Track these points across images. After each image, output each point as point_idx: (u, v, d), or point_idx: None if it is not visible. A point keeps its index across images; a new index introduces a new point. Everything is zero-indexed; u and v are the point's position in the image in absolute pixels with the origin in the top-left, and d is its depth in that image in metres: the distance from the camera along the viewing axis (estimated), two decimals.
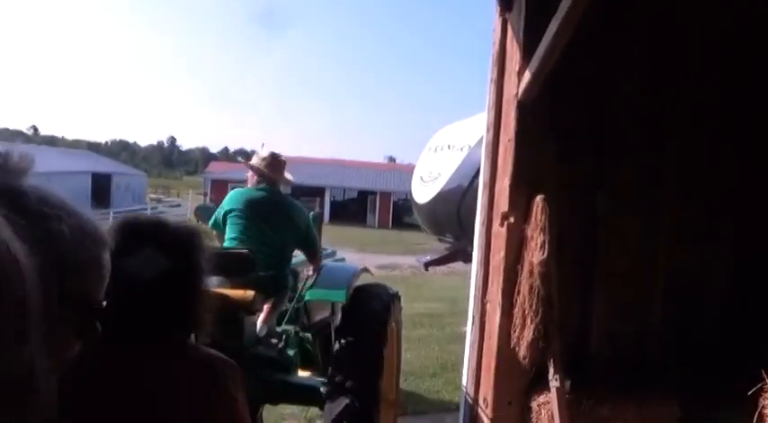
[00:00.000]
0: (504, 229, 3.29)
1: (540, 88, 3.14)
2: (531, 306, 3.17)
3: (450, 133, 5.84)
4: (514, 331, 3.24)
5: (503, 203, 3.32)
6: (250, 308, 3.07)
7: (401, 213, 34.53)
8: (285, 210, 3.74)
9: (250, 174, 3.87)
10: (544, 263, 3.14)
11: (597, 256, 3.65)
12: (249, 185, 3.82)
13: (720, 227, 3.91)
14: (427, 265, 6.16)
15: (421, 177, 6.01)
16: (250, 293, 2.98)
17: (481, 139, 5.23)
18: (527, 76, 3.11)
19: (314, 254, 3.96)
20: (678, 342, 3.84)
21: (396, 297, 3.89)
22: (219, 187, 31.51)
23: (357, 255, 17.06)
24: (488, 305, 3.42)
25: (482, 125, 5.34)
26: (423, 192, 5.92)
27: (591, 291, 3.66)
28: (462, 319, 8.41)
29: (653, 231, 3.81)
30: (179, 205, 36.89)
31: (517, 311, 3.23)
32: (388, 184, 35.10)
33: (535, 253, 3.16)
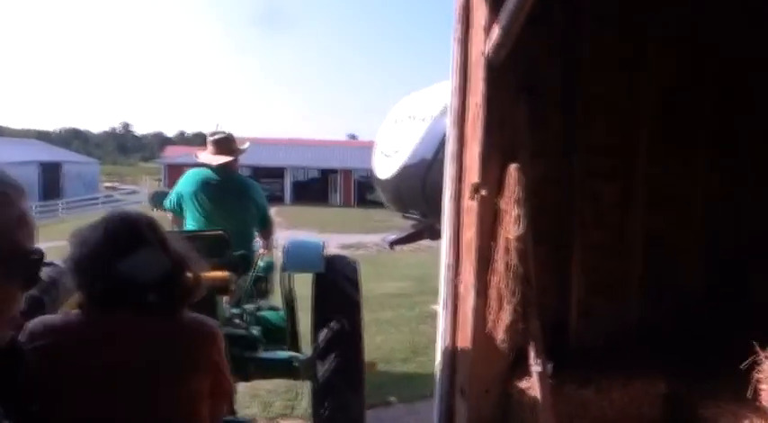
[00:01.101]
0: (475, 203, 2.99)
1: (512, 45, 2.83)
2: (507, 286, 2.90)
3: (412, 104, 5.50)
4: (490, 313, 2.97)
5: (473, 174, 3.02)
6: (227, 289, 3.06)
7: (364, 191, 34.19)
8: (245, 189, 3.75)
9: (203, 154, 3.76)
10: (521, 238, 2.86)
11: (573, 228, 3.41)
12: (205, 162, 3.73)
13: (693, 192, 3.72)
14: (393, 243, 5.86)
15: (382, 152, 5.67)
16: (226, 274, 2.97)
17: (445, 109, 4.91)
18: (496, 31, 2.79)
19: (270, 232, 3.97)
20: (658, 315, 3.66)
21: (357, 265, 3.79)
22: (176, 172, 30.51)
23: (320, 235, 16.72)
24: (461, 286, 3.14)
25: (445, 93, 5.02)
26: (385, 167, 5.59)
27: (567, 265, 3.43)
28: (432, 298, 8.18)
29: (628, 198, 3.59)
30: (135, 192, 35.69)
31: (492, 292, 2.96)
32: (349, 162, 34.60)
33: (510, 228, 2.89)
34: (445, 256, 3.29)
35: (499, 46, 2.82)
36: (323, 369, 3.16)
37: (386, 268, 10.48)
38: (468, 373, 3.06)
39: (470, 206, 3.05)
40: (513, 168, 2.93)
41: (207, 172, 3.70)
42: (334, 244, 14.87)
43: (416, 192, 5.08)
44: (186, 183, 3.66)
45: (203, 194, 3.64)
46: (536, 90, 3.24)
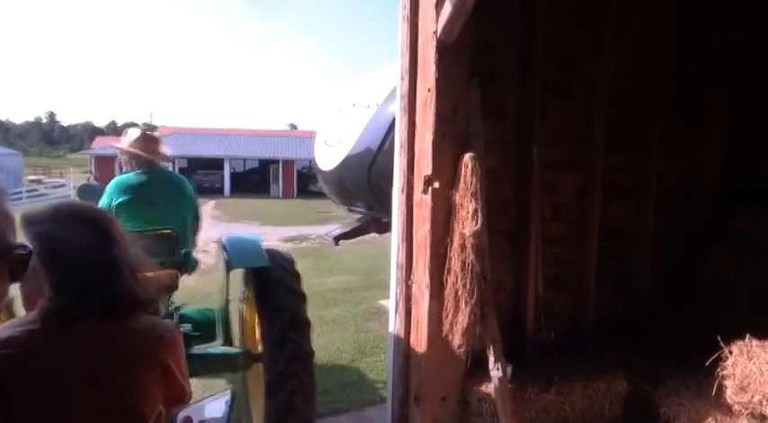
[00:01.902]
0: (428, 197, 2.75)
1: (463, 24, 2.59)
2: (464, 286, 2.68)
3: (355, 90, 5.20)
4: (446, 316, 2.74)
5: (425, 165, 2.78)
6: (174, 287, 3.14)
7: (306, 182, 33.61)
8: (178, 187, 3.59)
9: (125, 158, 3.53)
10: (477, 234, 2.64)
11: (529, 221, 3.23)
12: (125, 169, 3.55)
13: (648, 181, 3.63)
14: (337, 239, 5.56)
15: (324, 141, 5.35)
16: (174, 273, 3.06)
17: (391, 95, 4.64)
18: (447, 9, 2.54)
19: (198, 228, 3.86)
20: (613, 309, 3.56)
21: None
22: (105, 164, 29.04)
23: (261, 228, 16.18)
24: (414, 287, 2.90)
25: (391, 78, 4.75)
26: (327, 157, 5.28)
27: (524, 260, 3.25)
28: (377, 293, 7.97)
29: (585, 189, 3.45)
30: (63, 185, 33.77)
31: (449, 293, 2.73)
32: (290, 152, 33.87)
33: (466, 223, 2.66)
34: (396, 254, 3.04)
35: (450, 24, 2.58)
36: (278, 357, 3.17)
37: (329, 262, 10.17)
38: (423, 379, 2.83)
39: (423, 200, 2.80)
40: (468, 159, 2.70)
41: (133, 177, 3.42)
42: (276, 237, 14.40)
43: (361, 183, 4.80)
44: (114, 192, 3.37)
45: (135, 201, 3.36)
46: (490, 75, 3.03)
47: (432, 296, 2.77)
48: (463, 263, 2.69)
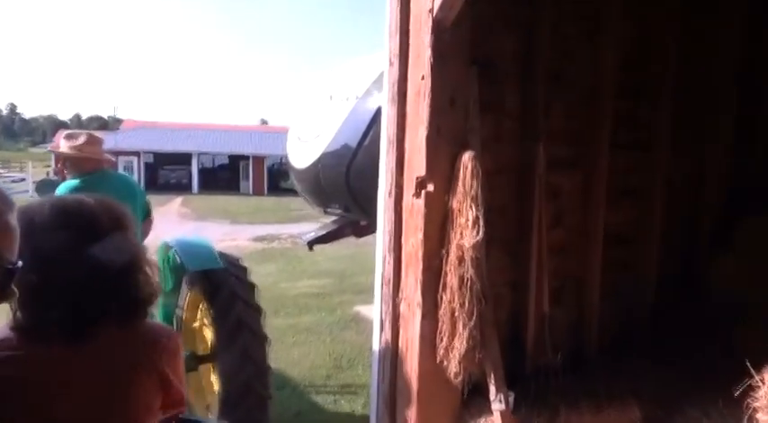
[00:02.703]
0: (420, 202, 2.38)
1: (464, 1, 2.22)
2: (462, 305, 2.32)
3: (332, 82, 4.79)
4: (441, 340, 2.38)
5: (417, 165, 2.40)
6: None
7: (277, 178, 32.96)
8: (126, 187, 3.40)
9: (68, 163, 3.31)
10: (478, 246, 2.28)
11: (530, 228, 2.88)
12: (68, 174, 3.34)
13: (655, 182, 3.32)
14: (311, 243, 5.14)
15: (299, 137, 4.92)
16: None
17: (372, 86, 4.25)
18: None
19: (150, 226, 3.66)
20: (618, 323, 3.25)
21: None
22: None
23: (230, 227, 15.60)
24: (403, 305, 2.52)
25: (372, 67, 4.36)
26: (301, 154, 4.85)
27: (524, 271, 2.90)
28: (353, 298, 7.57)
29: (588, 192, 3.12)
30: (23, 179, 32.49)
31: (444, 313, 2.37)
32: (261, 148, 33.09)
33: (465, 232, 2.30)
34: (381, 266, 2.66)
35: (450, 1, 2.21)
36: (236, 373, 3.10)
37: (301, 263, 9.72)
38: (413, 412, 2.46)
39: (414, 205, 2.43)
40: (467, 158, 2.34)
41: (79, 183, 3.18)
42: (245, 236, 13.86)
43: (339, 183, 4.40)
44: None
45: None
46: (487, 63, 2.67)
47: (424, 316, 2.40)
48: (461, 278, 2.33)
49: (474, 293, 2.32)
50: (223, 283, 3.25)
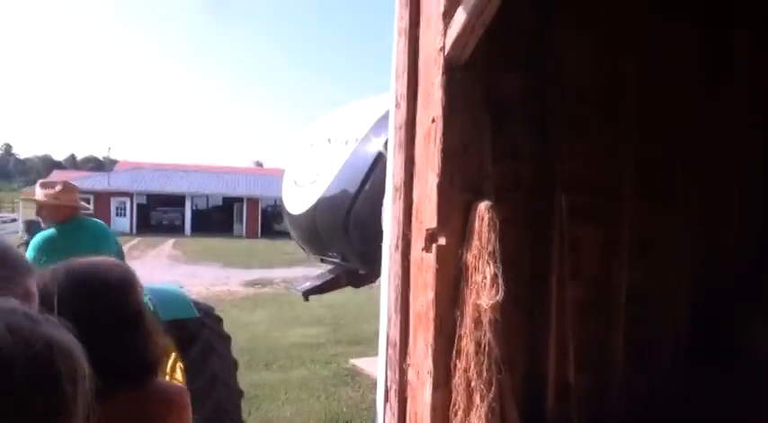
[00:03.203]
0: (431, 256, 2.13)
1: (478, 40, 2.04)
2: (479, 374, 2.05)
3: (331, 124, 4.62)
4: (455, 413, 2.10)
5: (428, 216, 2.17)
6: None
7: (271, 221, 32.75)
8: (100, 233, 3.32)
9: (44, 211, 3.26)
10: (497, 306, 2.03)
11: (548, 284, 2.64)
12: (44, 222, 3.30)
13: (672, 235, 3.10)
14: (307, 294, 4.87)
15: (294, 181, 4.72)
16: None
17: (373, 129, 4.07)
18: (459, 19, 1.99)
19: None
20: (644, 387, 2.97)
21: None
22: None
23: (222, 270, 15.26)
24: (411, 373, 2.25)
25: (374, 110, 4.18)
26: (297, 199, 4.64)
27: (542, 333, 2.65)
28: (349, 350, 7.23)
29: (611, 245, 2.90)
30: (14, 220, 32.10)
31: (458, 383, 2.09)
32: (255, 190, 33.00)
33: (482, 292, 2.05)
34: (387, 328, 2.40)
35: (463, 39, 2.03)
36: (207, 420, 3.00)
37: (294, 310, 9.37)
38: None
39: (424, 260, 2.19)
40: (484, 208, 2.11)
41: (54, 232, 3.14)
42: (237, 280, 13.53)
43: (336, 230, 4.17)
44: (40, 250, 3.13)
45: (63, 253, 2.95)
46: (498, 106, 2.48)
47: (436, 386, 2.12)
48: (478, 343, 2.07)
49: (493, 360, 2.06)
50: (197, 335, 3.21)
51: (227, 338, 3.36)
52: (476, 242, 2.10)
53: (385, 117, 3.95)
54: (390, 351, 2.36)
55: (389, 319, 2.36)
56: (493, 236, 2.08)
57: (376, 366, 5.99)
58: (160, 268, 15.00)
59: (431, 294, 2.13)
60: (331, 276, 4.78)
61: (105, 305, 1.12)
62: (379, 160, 3.89)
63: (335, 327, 7.92)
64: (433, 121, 2.16)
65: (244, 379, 5.72)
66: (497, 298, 2.01)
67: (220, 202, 35.75)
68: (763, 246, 3.22)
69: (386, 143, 3.95)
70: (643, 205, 2.92)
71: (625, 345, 2.89)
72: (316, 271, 6.36)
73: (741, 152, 3.20)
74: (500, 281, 2.03)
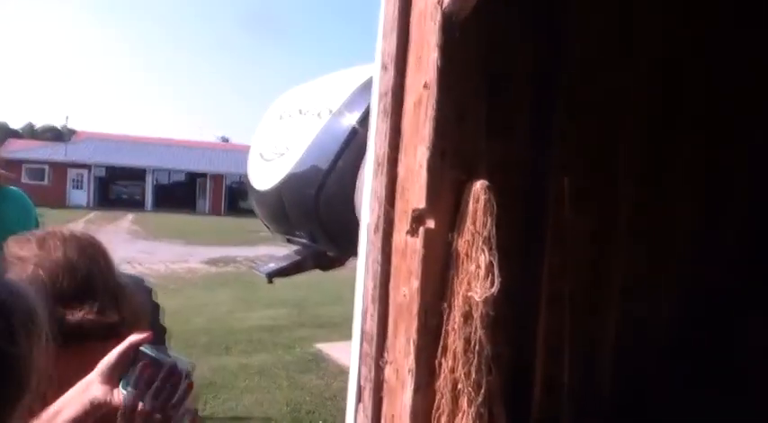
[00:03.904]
0: (418, 241, 1.88)
1: None
2: (468, 375, 1.82)
3: (303, 95, 4.30)
4: (438, 417, 1.86)
5: (415, 194, 1.91)
6: None
7: (236, 198, 32.11)
8: (24, 207, 2.96)
9: None
10: (491, 300, 1.79)
11: (540, 276, 2.42)
12: None
13: (667, 225, 2.92)
14: (271, 275, 4.58)
15: (261, 155, 4.39)
16: None
17: (350, 101, 3.77)
18: None
19: None
20: (634, 384, 2.79)
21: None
22: (12, 169, 26.51)
23: (183, 247, 14.76)
24: (389, 370, 2.00)
25: (351, 81, 3.88)
26: (264, 175, 4.32)
27: (531, 330, 2.43)
28: (313, 333, 6.97)
29: (604, 233, 2.69)
30: None
31: (443, 384, 1.85)
32: (220, 166, 32.23)
33: (475, 283, 1.80)
34: (362, 319, 2.14)
35: None
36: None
37: (257, 291, 9.05)
38: None
39: (409, 245, 1.93)
40: (480, 188, 1.85)
41: None
42: (198, 258, 13.08)
43: (305, 209, 3.88)
44: None
45: None
46: (495, 77, 2.23)
47: (417, 388, 1.87)
48: (467, 341, 1.82)
49: (483, 360, 1.82)
50: None
51: (157, 307, 3.02)
52: (469, 226, 1.85)
53: (365, 88, 3.66)
54: (365, 345, 2.10)
55: (365, 310, 2.10)
56: (489, 220, 1.83)
57: (342, 352, 5.79)
58: (117, 244, 14.43)
59: (415, 284, 1.88)
60: (297, 258, 4.49)
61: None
62: (355, 135, 3.61)
63: (300, 309, 7.66)
64: (426, 86, 1.89)
65: (201, 364, 5.43)
66: (492, 290, 1.77)
67: (183, 178, 34.84)
68: (761, 242, 3.08)
69: (360, 118, 3.66)
70: (641, 193, 2.72)
71: (615, 340, 2.71)
72: (281, 251, 6.10)
73: (743, 145, 3.03)
74: (495, 271, 1.78)
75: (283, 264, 4.53)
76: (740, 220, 3.16)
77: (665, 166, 2.84)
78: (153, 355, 0.99)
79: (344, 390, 4.64)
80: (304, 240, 4.22)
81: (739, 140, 3.03)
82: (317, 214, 3.85)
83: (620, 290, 2.69)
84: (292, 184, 3.98)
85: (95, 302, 1.14)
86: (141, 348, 1.00)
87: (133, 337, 1.01)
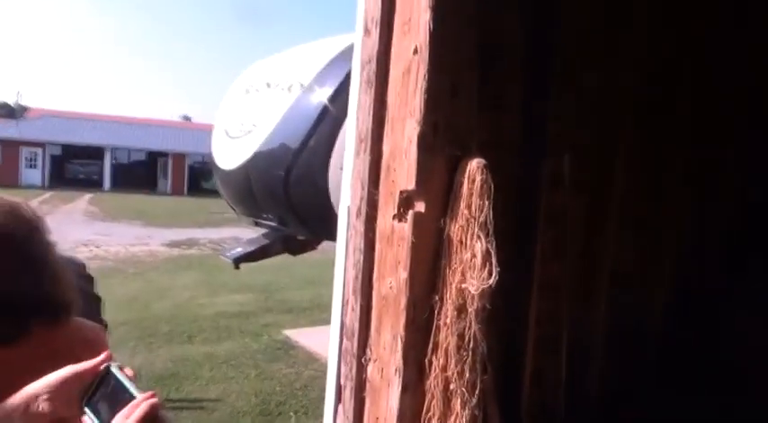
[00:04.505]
0: (406, 226, 1.69)
1: None
2: (461, 374, 1.66)
3: (272, 68, 4.02)
4: (428, 421, 1.69)
5: (403, 175, 1.71)
6: None
7: (198, 178, 31.33)
8: None
9: None
10: (487, 292, 1.62)
11: (532, 264, 2.26)
12: None
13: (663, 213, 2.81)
14: (238, 261, 4.33)
15: (226, 131, 4.11)
16: None
17: (322, 73, 3.52)
18: None
19: None
20: (621, 378, 2.68)
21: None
22: None
23: (143, 229, 14.26)
24: (372, 368, 1.81)
25: (324, 53, 3.63)
26: (229, 152, 4.05)
27: (522, 321, 2.28)
28: (281, 319, 6.74)
29: (597, 217, 2.55)
30: None
31: (434, 384, 1.69)
32: (182, 145, 31.33)
33: (471, 273, 1.63)
34: (342, 312, 1.94)
35: None
36: None
37: (222, 274, 8.74)
38: None
39: (396, 231, 1.73)
40: (475, 167, 1.67)
41: None
42: (160, 240, 12.64)
43: (274, 190, 3.65)
44: None
45: None
46: (485, 46, 2.03)
47: (405, 388, 1.70)
48: (460, 337, 1.66)
49: (478, 358, 1.66)
50: None
51: (98, 299, 2.78)
52: (463, 210, 1.66)
53: (340, 59, 3.41)
54: (346, 341, 1.91)
55: (346, 303, 1.91)
56: (486, 203, 1.65)
57: (311, 338, 5.57)
58: (73, 225, 13.84)
59: (403, 274, 1.69)
60: (265, 242, 4.25)
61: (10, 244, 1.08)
62: (329, 110, 3.38)
63: (267, 293, 7.41)
64: (416, 52, 1.68)
65: (163, 353, 5.16)
66: (490, 282, 1.59)
67: (143, 157, 33.76)
68: (753, 235, 2.99)
69: (334, 93, 3.43)
70: (635, 179, 2.58)
71: (604, 334, 2.59)
72: (247, 234, 5.81)
73: (740, 142, 2.92)
74: (493, 260, 1.61)
75: (250, 248, 4.29)
76: (733, 216, 3.07)
77: (661, 157, 2.71)
78: (118, 375, 0.92)
79: (315, 379, 4.47)
80: (273, 223, 3.99)
81: (738, 137, 2.93)
82: (286, 196, 3.62)
83: (610, 278, 2.56)
84: (260, 163, 3.73)
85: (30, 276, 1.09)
86: (112, 369, 0.93)
87: (100, 358, 0.96)
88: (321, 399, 4.02)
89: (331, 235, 4.43)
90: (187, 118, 52.18)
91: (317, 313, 6.23)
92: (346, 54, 3.51)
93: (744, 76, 2.83)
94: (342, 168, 3.45)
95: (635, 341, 2.72)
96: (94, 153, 30.35)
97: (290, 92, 3.58)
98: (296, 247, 4.30)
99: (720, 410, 2.54)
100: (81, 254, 9.43)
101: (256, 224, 4.19)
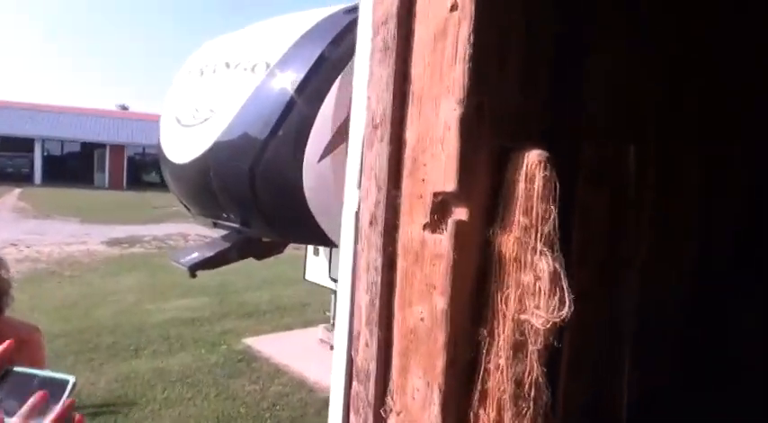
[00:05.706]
0: (443, 239, 1.30)
1: None
2: (521, 409, 1.27)
3: (230, 45, 3.51)
4: None
5: (437, 172, 1.32)
6: None
7: (138, 171, 29.96)
8: None
9: None
10: (556, 328, 1.24)
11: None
12: None
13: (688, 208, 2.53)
14: (194, 268, 3.81)
15: (177, 119, 3.58)
16: None
17: (293, 50, 3.06)
18: None
19: None
20: (650, 395, 2.39)
21: None
22: None
23: (80, 226, 13.27)
24: (401, 397, 1.41)
25: (294, 26, 3.16)
26: (182, 143, 3.52)
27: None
28: (240, 325, 6.19)
29: (624, 213, 2.23)
30: None
31: (481, 415, 1.29)
32: (120, 136, 29.82)
33: (534, 301, 1.24)
34: (349, 346, 1.52)
35: None
36: None
37: (169, 276, 8.09)
38: None
39: (429, 245, 1.33)
40: (535, 161, 1.29)
41: None
42: (99, 238, 11.76)
43: (238, 186, 3.18)
44: None
45: None
46: (530, 29, 1.64)
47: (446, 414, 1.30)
48: (518, 384, 1.27)
49: (539, 411, 1.28)
50: None
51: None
52: (519, 218, 1.27)
53: (314, 35, 2.96)
54: (356, 385, 1.49)
55: (356, 336, 1.49)
56: (551, 209, 1.26)
57: (275, 346, 5.08)
58: (1, 223, 12.76)
59: (440, 301, 1.29)
60: (226, 245, 3.75)
61: None
62: (302, 93, 2.92)
63: (221, 296, 6.87)
64: (454, 7, 1.27)
65: (108, 371, 4.57)
66: (563, 313, 1.21)
67: (78, 149, 31.94)
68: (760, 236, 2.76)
69: (306, 75, 2.98)
70: (660, 176, 2.27)
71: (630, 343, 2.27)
72: (193, 229, 5.26)
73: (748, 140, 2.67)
74: (564, 284, 1.22)
75: (208, 253, 3.77)
76: (741, 215, 2.84)
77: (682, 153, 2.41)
78: (21, 370, 0.91)
79: (284, 396, 4.02)
80: (234, 224, 3.50)
81: (745, 135, 2.68)
82: (251, 193, 3.15)
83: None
84: (220, 155, 3.23)
85: None
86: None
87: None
88: (292, 419, 3.58)
89: (302, 238, 3.97)
90: (124, 107, 49.83)
91: (278, 317, 5.76)
92: (322, 28, 3.05)
93: None
94: (320, 161, 2.99)
95: (659, 341, 2.44)
96: (24, 144, 28.47)
97: (253, 73, 3.09)
98: (261, 251, 3.83)
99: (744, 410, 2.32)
100: (9, 255, 8.58)
101: (215, 225, 3.69)
